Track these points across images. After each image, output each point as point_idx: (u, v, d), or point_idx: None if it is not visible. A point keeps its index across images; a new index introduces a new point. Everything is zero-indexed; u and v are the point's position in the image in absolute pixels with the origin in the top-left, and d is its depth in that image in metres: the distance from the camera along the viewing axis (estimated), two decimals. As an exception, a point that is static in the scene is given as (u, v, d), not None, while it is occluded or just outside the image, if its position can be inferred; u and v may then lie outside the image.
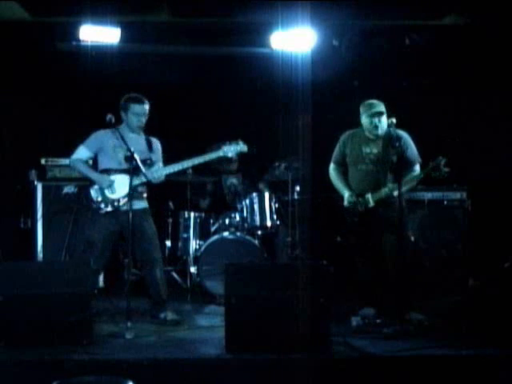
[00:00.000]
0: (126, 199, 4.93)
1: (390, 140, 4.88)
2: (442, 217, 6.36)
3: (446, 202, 6.41)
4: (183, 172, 6.30)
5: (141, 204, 5.04)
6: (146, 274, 5.02)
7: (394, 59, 6.85)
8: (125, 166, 4.96)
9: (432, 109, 6.76)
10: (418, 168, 5.05)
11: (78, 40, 6.37)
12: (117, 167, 4.99)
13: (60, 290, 4.23)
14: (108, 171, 4.99)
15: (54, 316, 4.16)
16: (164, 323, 4.94)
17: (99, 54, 6.44)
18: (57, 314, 4.17)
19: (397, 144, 4.81)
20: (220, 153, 5.12)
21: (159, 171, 5.02)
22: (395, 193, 4.81)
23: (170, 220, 6.68)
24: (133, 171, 4.85)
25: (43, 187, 6.16)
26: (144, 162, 4.96)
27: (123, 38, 6.42)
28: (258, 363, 3.94)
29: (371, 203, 4.96)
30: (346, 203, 5.06)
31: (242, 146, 5.19)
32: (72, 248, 5.96)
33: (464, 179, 6.50)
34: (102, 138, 5.05)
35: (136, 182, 4.92)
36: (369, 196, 4.96)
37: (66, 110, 6.73)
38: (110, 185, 4.95)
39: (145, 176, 4.87)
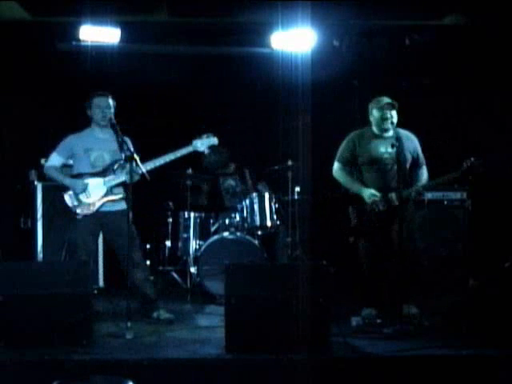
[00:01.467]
0: (101, 201, 4.93)
1: (395, 139, 4.85)
2: (442, 217, 6.36)
3: (446, 202, 6.41)
4: (182, 174, 6.34)
5: (119, 206, 4.99)
6: (128, 275, 4.85)
7: (394, 59, 6.85)
8: (98, 168, 4.97)
9: (432, 109, 6.77)
10: (425, 168, 5.06)
11: (78, 40, 6.38)
12: (89, 171, 4.97)
13: (60, 290, 4.22)
14: (81, 175, 4.97)
15: (54, 316, 4.15)
16: (157, 322, 4.93)
17: (99, 53, 6.45)
18: (57, 314, 4.16)
19: (397, 144, 4.81)
20: (190, 148, 5.05)
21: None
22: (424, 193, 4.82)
23: (170, 220, 6.69)
24: (104, 173, 4.91)
25: (43, 187, 6.16)
26: (116, 162, 4.95)
27: (123, 38, 6.43)
28: (258, 363, 3.94)
29: (395, 202, 4.84)
30: (368, 200, 4.92)
31: (212, 139, 5.11)
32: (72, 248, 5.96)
33: (464, 179, 6.50)
34: (72, 142, 5.03)
35: (112, 182, 4.93)
36: (392, 195, 4.86)
37: (66, 110, 6.72)
38: (84, 189, 4.93)
39: (143, 174, 4.84)
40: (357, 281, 5.16)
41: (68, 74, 6.67)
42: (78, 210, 4.93)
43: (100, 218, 4.96)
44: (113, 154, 4.97)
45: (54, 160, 5.06)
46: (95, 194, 4.95)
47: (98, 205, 4.94)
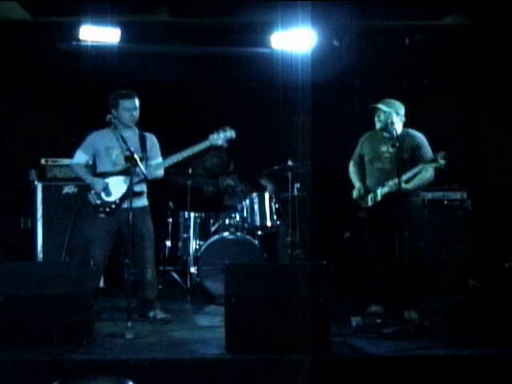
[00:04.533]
0: (123, 200, 4.95)
1: (395, 139, 4.92)
2: (442, 217, 6.36)
3: (446, 202, 6.40)
4: (184, 174, 6.35)
5: (139, 202, 5.02)
6: (137, 273, 4.95)
7: (394, 59, 6.85)
8: (119, 167, 4.98)
9: (432, 109, 6.76)
10: (430, 169, 5.08)
11: (78, 40, 6.38)
12: (110, 169, 4.99)
13: (60, 290, 4.22)
14: (102, 174, 5.00)
15: (54, 316, 4.16)
16: (154, 322, 4.93)
17: (99, 53, 6.44)
18: (57, 314, 4.17)
19: (397, 144, 4.84)
20: (207, 143, 5.07)
21: (151, 168, 5.00)
22: (403, 187, 4.88)
23: (170, 220, 6.68)
24: (129, 171, 4.88)
25: (43, 187, 6.16)
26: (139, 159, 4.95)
27: (123, 38, 6.43)
28: (258, 363, 3.93)
29: (378, 197, 5.09)
30: (354, 193, 5.30)
31: (230, 132, 5.11)
32: (72, 248, 5.96)
33: (464, 179, 6.51)
34: (95, 140, 5.05)
35: (133, 181, 4.93)
36: (378, 191, 5.10)
37: (65, 110, 6.72)
38: (105, 188, 4.95)
39: (143, 174, 4.86)
40: (360, 279, 5.20)
41: (68, 73, 6.66)
42: (101, 209, 4.95)
43: (119, 214, 4.97)
44: (135, 152, 4.91)
45: (79, 158, 5.08)
46: (116, 193, 4.97)
47: (119, 203, 4.96)
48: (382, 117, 5.17)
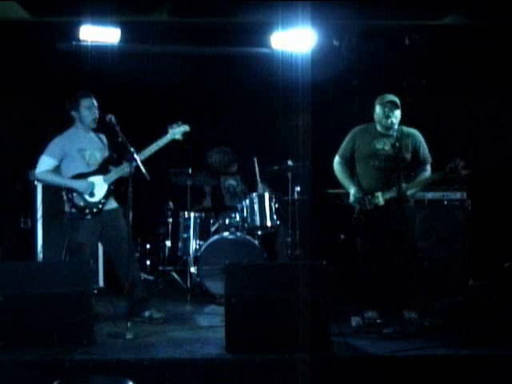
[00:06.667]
0: (106, 199, 4.96)
1: (396, 139, 4.85)
2: (441, 217, 6.36)
3: (446, 202, 6.40)
4: (184, 174, 6.35)
5: (114, 204, 5.04)
6: (122, 274, 4.90)
7: (394, 59, 6.85)
8: (93, 167, 4.97)
9: (432, 109, 6.76)
10: (428, 168, 5.03)
11: (78, 40, 6.38)
12: (86, 170, 4.95)
13: (60, 290, 4.22)
14: (80, 176, 4.93)
15: (54, 316, 4.16)
16: (150, 322, 4.93)
17: (99, 53, 6.45)
18: (57, 314, 4.17)
19: (397, 144, 4.82)
20: (169, 136, 5.07)
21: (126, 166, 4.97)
22: (409, 192, 4.82)
23: (170, 220, 6.69)
24: (101, 170, 4.93)
25: (43, 187, 6.15)
26: (108, 159, 4.99)
27: (123, 38, 6.43)
28: (258, 363, 3.94)
29: (381, 202, 4.87)
30: (351, 199, 4.97)
31: (183, 127, 5.13)
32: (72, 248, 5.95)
33: (464, 179, 6.50)
34: (64, 144, 4.96)
35: (112, 179, 4.95)
36: (379, 194, 4.87)
37: (66, 110, 6.71)
38: (90, 188, 4.91)
39: (143, 175, 4.84)
40: (358, 282, 5.16)
41: (68, 73, 6.66)
42: (87, 211, 4.91)
43: (103, 216, 4.97)
44: (102, 152, 5.01)
45: (47, 164, 4.93)
46: (99, 193, 4.96)
47: (104, 202, 4.96)
48: (398, 113, 4.93)
